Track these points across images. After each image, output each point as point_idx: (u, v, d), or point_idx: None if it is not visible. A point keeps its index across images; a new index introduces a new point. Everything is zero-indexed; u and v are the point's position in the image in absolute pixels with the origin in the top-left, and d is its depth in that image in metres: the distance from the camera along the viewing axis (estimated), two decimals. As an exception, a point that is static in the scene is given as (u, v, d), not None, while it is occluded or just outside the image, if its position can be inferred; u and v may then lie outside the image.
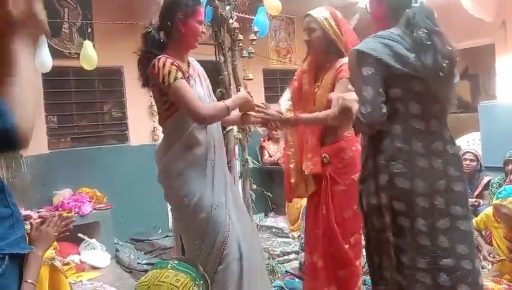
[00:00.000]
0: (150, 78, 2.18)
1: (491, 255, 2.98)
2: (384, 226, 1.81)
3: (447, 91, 1.81)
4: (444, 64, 1.73)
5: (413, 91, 1.78)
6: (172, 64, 2.07)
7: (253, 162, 3.43)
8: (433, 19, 1.79)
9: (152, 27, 2.25)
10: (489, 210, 3.03)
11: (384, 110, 1.76)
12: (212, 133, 2.24)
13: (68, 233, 1.88)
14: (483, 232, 3.21)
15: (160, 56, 2.10)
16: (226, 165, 2.37)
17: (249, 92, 2.35)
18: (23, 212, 3.38)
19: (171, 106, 2.14)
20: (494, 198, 2.76)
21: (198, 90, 2.18)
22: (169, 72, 2.04)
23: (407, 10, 1.80)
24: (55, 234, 1.79)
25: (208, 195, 2.18)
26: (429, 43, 1.74)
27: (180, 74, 2.07)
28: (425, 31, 1.74)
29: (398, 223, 1.79)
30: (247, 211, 2.46)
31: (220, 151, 2.30)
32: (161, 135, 5.90)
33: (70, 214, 4.15)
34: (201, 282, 1.33)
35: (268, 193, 3.95)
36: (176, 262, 1.34)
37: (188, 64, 2.25)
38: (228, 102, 2.19)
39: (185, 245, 2.29)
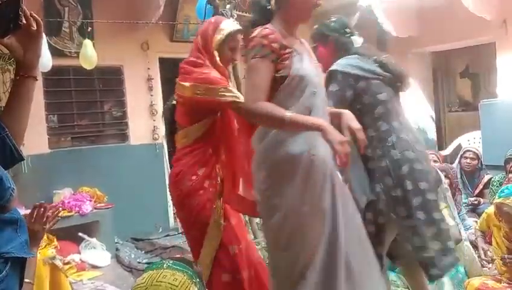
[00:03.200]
0: None
1: (488, 256, 2.99)
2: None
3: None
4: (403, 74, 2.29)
5: (391, 95, 2.23)
6: (264, 37, 1.77)
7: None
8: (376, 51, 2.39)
9: None
10: (490, 209, 3.02)
11: None
12: None
13: (58, 220, 1.85)
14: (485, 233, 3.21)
15: (266, 26, 1.84)
16: (332, 162, 1.84)
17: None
18: (24, 211, 3.37)
19: (274, 82, 1.80)
20: (496, 197, 2.76)
21: (305, 67, 1.85)
22: (253, 47, 1.78)
23: (357, 47, 2.32)
24: (44, 227, 1.77)
25: (298, 196, 1.82)
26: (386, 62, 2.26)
27: (264, 52, 1.76)
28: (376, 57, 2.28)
29: (426, 198, 2.11)
30: (357, 215, 2.00)
31: (325, 145, 1.84)
32: (162, 134, 5.84)
33: (70, 214, 4.17)
34: (198, 280, 1.32)
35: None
36: (171, 262, 1.33)
37: (297, 38, 1.95)
38: (293, 117, 1.73)
39: (268, 249, 2.02)
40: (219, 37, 2.30)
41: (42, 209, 1.79)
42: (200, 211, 2.26)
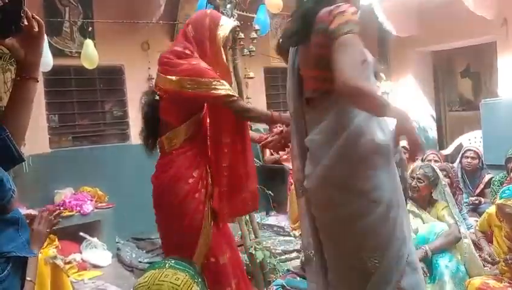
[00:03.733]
0: (314, 29, 1.65)
1: (491, 258, 2.98)
2: None
3: None
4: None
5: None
6: (354, 14, 1.58)
7: (254, 160, 3.41)
8: None
9: None
10: (492, 209, 3.02)
11: None
12: None
13: (59, 222, 1.88)
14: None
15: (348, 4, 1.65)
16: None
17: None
18: (25, 211, 3.38)
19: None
20: (498, 197, 2.76)
21: (369, 58, 1.70)
22: (346, 22, 1.55)
23: None
24: (47, 230, 1.79)
25: (396, 189, 1.69)
26: None
27: (357, 29, 1.56)
28: None
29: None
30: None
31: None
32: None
33: (71, 213, 4.17)
34: (200, 280, 1.32)
35: (270, 192, 3.94)
36: (173, 261, 1.34)
37: None
38: (391, 106, 1.54)
39: (342, 258, 1.75)
40: (223, 33, 2.20)
41: (46, 213, 1.82)
42: (194, 215, 2.15)
